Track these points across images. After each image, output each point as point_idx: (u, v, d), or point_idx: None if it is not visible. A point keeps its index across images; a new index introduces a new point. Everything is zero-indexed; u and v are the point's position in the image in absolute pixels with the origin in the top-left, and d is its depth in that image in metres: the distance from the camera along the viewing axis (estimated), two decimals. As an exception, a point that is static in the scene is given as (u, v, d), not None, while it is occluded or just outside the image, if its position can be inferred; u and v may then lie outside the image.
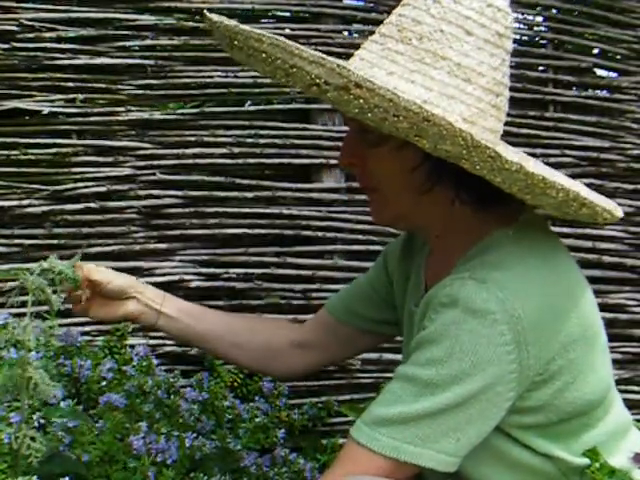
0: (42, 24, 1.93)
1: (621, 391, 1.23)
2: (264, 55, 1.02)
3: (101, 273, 1.39)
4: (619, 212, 1.11)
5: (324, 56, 0.96)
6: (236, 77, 2.03)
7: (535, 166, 1.02)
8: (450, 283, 1.06)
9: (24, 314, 1.14)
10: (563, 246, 1.18)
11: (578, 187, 1.07)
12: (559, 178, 1.04)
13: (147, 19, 2.00)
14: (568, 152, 2.27)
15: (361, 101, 0.96)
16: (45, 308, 1.61)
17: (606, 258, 2.26)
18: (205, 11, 1.14)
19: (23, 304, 1.14)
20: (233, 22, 1.06)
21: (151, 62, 2.00)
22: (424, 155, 1.06)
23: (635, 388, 2.27)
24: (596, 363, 1.12)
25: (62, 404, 1.44)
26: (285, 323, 1.54)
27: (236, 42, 1.07)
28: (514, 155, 1.00)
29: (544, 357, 1.04)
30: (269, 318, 1.59)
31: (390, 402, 1.04)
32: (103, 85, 1.97)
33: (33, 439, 1.11)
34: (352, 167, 1.21)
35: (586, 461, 1.11)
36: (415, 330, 1.17)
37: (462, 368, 1.01)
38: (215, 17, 1.09)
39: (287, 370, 1.50)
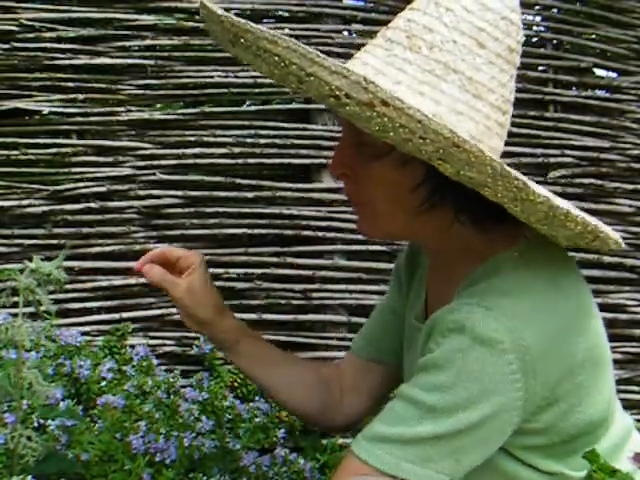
0: (42, 24, 1.93)
1: (621, 391, 1.22)
2: (277, 58, 0.94)
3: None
4: (622, 243, 1.07)
5: (348, 67, 0.89)
6: (236, 77, 2.03)
7: (555, 197, 0.98)
8: (458, 308, 1.02)
9: (23, 314, 1.14)
10: (570, 261, 1.14)
11: (591, 218, 1.03)
12: (572, 208, 1.00)
13: (147, 19, 2.00)
14: (568, 152, 2.27)
15: (385, 119, 0.89)
16: (43, 308, 1.61)
17: (606, 258, 2.26)
18: (206, 2, 1.05)
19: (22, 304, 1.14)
20: (241, 19, 0.99)
21: (151, 62, 2.00)
22: (426, 173, 1.02)
23: (635, 388, 2.26)
24: (601, 383, 1.10)
25: (61, 404, 1.44)
26: (330, 371, 1.43)
27: (242, 40, 0.99)
28: (540, 187, 0.96)
29: (551, 382, 1.02)
30: (322, 367, 1.46)
31: (393, 421, 1.03)
32: (103, 85, 1.98)
33: (29, 439, 1.11)
34: (344, 177, 1.12)
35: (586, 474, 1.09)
36: (419, 348, 1.13)
37: (467, 396, 0.99)
38: (220, 10, 1.00)
39: (343, 421, 1.41)
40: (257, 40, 0.96)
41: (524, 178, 0.93)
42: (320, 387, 1.39)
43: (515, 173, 0.92)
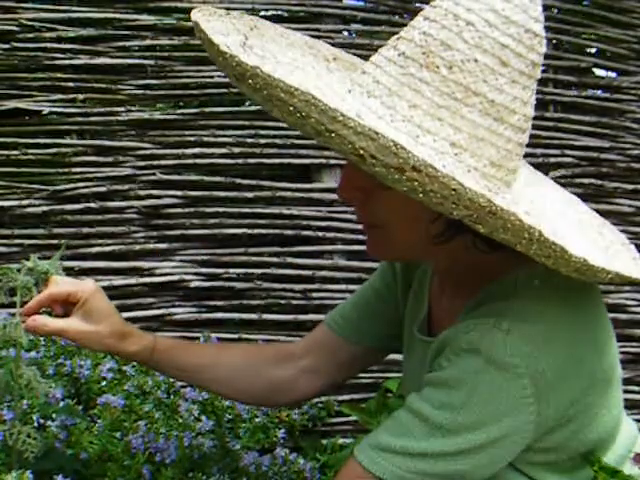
0: (42, 24, 1.94)
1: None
2: (291, 109, 0.85)
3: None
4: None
5: (377, 128, 0.81)
6: (236, 77, 2.03)
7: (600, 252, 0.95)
8: (472, 328, 0.99)
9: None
10: (590, 285, 1.08)
11: (624, 266, 0.99)
12: (608, 263, 0.95)
13: (147, 19, 2.00)
14: (568, 152, 2.27)
15: (415, 184, 0.83)
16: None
17: (606, 258, 2.26)
18: (202, 24, 0.95)
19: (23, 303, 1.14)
20: (252, 56, 0.88)
21: (151, 62, 2.00)
22: None
23: (635, 388, 2.27)
24: (611, 401, 1.08)
25: (61, 404, 1.44)
26: (286, 351, 1.37)
27: (251, 81, 0.88)
28: (578, 248, 0.91)
29: (563, 405, 1.01)
30: (270, 349, 1.44)
31: (399, 433, 1.01)
32: (103, 85, 1.98)
33: (28, 435, 1.11)
34: (354, 201, 1.05)
35: None
36: (426, 362, 1.10)
37: (478, 418, 0.97)
38: (223, 44, 0.90)
39: (295, 399, 1.39)
40: (269, 87, 0.86)
41: (562, 243, 0.87)
42: (265, 370, 1.33)
43: (553, 238, 0.87)
